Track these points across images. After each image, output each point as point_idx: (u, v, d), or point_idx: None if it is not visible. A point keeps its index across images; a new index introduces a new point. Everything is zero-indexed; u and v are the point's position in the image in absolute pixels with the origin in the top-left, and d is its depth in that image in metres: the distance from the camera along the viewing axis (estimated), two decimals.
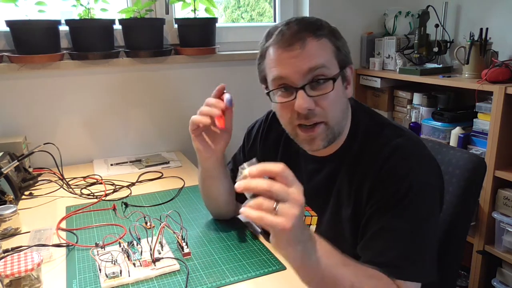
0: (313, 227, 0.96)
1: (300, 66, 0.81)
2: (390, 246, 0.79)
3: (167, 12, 1.83)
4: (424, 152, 0.88)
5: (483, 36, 1.69)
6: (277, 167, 0.64)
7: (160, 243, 1.00)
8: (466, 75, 1.76)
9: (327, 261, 0.71)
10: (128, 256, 0.96)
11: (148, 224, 1.11)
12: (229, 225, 1.16)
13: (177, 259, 0.96)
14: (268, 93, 0.90)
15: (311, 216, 0.97)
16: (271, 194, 0.63)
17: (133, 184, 1.47)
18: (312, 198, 0.96)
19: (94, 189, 1.43)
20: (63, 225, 1.17)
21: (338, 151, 0.93)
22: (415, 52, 1.94)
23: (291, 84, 0.83)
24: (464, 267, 1.76)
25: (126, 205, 1.28)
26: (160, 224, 0.99)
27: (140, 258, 0.95)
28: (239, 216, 1.15)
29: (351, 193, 0.88)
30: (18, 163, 1.33)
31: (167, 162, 1.69)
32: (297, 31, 0.82)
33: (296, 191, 0.65)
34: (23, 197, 1.38)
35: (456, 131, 1.72)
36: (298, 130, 0.88)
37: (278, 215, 0.62)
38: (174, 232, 1.03)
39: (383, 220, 0.81)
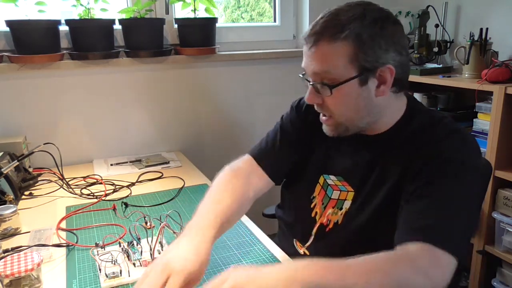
0: (348, 202, 0.97)
1: (309, 67, 0.88)
2: (427, 214, 0.78)
3: (167, 12, 1.83)
4: (477, 146, 0.89)
5: (483, 36, 1.69)
6: None
7: (160, 243, 1.00)
8: (466, 75, 1.76)
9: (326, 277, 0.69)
10: (128, 256, 0.96)
11: (148, 224, 1.10)
12: None
13: None
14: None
15: (348, 191, 0.97)
16: None
17: (133, 184, 1.47)
18: (352, 173, 0.98)
19: (94, 189, 1.43)
20: (63, 225, 1.17)
21: (388, 132, 0.93)
22: (415, 52, 1.94)
23: (307, 78, 0.91)
24: (464, 267, 1.76)
25: (126, 205, 1.28)
26: (160, 224, 0.99)
27: (140, 258, 0.95)
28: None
29: (398, 170, 0.88)
30: (18, 163, 1.33)
31: (167, 162, 1.69)
32: (317, 31, 0.85)
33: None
34: (23, 197, 1.38)
35: None
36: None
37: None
38: (174, 232, 1.03)
39: (426, 189, 0.80)
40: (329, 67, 0.84)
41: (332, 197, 0.99)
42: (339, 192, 0.99)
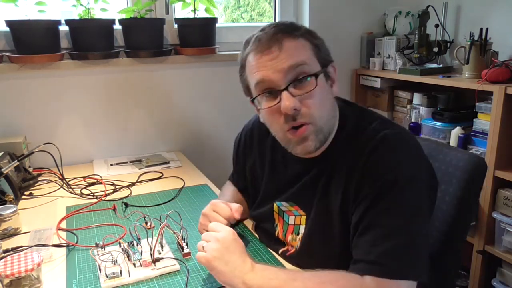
0: (302, 226, 0.95)
1: (280, 66, 0.82)
2: (375, 243, 0.76)
3: (167, 12, 1.83)
4: (412, 144, 0.84)
5: (483, 36, 1.69)
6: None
7: (160, 243, 1.00)
8: (466, 75, 1.76)
9: (269, 282, 0.77)
10: (128, 256, 0.96)
11: (148, 224, 1.10)
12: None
13: (177, 259, 0.96)
14: (252, 101, 0.92)
15: (300, 215, 0.96)
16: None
17: (133, 184, 1.47)
18: (300, 197, 0.95)
19: (94, 189, 1.43)
20: (63, 225, 1.17)
21: (325, 152, 0.90)
22: (415, 52, 1.94)
23: (274, 87, 0.84)
24: (464, 267, 1.76)
25: (126, 205, 1.28)
26: (160, 224, 0.99)
27: (140, 258, 0.95)
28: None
29: (340, 188, 0.85)
30: (18, 163, 1.33)
31: (167, 162, 1.69)
32: (273, 34, 0.84)
33: (218, 233, 0.84)
34: (23, 197, 1.38)
35: (456, 131, 1.72)
36: (289, 135, 0.86)
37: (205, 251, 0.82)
38: (174, 232, 1.03)
39: (370, 216, 0.79)
40: (304, 58, 0.83)
41: (289, 223, 0.97)
42: (294, 217, 0.97)
